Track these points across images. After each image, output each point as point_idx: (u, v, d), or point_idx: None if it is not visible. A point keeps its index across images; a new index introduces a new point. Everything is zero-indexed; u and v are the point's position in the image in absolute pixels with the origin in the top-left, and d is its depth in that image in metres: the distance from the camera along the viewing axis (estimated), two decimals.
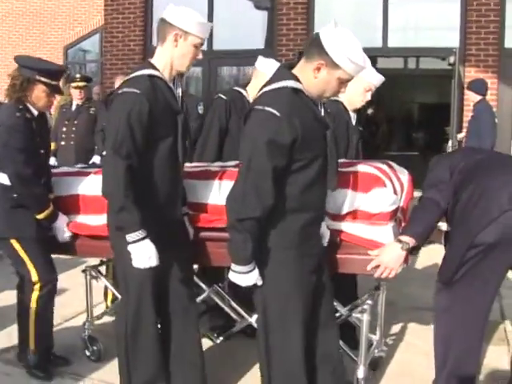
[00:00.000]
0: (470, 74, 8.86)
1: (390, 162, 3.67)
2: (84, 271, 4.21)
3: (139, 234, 3.03)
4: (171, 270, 3.32)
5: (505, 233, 3.03)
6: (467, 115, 8.42)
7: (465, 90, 8.39)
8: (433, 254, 4.58)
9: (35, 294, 3.84)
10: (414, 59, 14.23)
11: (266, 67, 4.23)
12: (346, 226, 3.29)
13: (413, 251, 3.26)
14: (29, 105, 3.75)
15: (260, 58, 4.39)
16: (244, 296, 3.36)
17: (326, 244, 3.17)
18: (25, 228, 3.73)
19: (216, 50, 10.17)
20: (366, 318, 3.41)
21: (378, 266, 3.19)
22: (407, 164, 4.06)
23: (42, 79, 3.70)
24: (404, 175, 3.69)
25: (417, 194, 3.60)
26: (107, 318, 4.47)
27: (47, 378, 3.86)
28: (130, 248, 3.04)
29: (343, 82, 2.83)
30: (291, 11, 9.79)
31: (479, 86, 7.86)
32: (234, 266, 2.81)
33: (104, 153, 3.23)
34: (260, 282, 2.83)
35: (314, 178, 2.81)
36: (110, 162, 3.04)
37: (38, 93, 3.72)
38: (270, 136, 2.65)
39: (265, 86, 2.85)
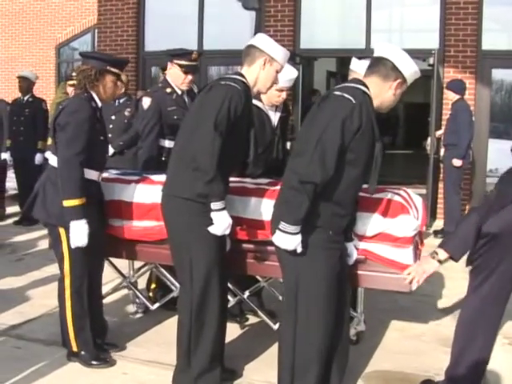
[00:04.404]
0: (449, 74, 9.20)
1: (408, 190, 4.03)
2: None
3: (223, 203, 3.42)
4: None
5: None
6: (446, 113, 8.80)
7: (444, 89, 8.82)
8: None
9: (68, 292, 3.94)
10: None
11: None
12: (373, 247, 3.66)
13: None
14: (94, 95, 3.96)
15: None
16: None
17: (351, 262, 3.57)
18: None
19: (206, 50, 10.49)
20: None
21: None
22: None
23: (113, 69, 3.97)
24: (419, 202, 4.03)
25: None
26: (110, 298, 4.86)
27: (105, 365, 4.02)
28: (213, 215, 3.41)
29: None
30: (278, 13, 10.13)
31: (457, 86, 8.27)
32: (283, 226, 3.09)
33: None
34: (300, 249, 3.13)
35: (355, 178, 3.21)
36: (208, 136, 3.33)
37: (108, 83, 3.98)
38: (345, 116, 3.06)
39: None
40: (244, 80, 3.56)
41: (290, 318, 3.28)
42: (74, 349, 4.01)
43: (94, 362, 4.00)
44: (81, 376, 3.90)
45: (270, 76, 3.61)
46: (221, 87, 3.48)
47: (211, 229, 3.44)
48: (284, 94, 4.54)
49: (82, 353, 4.00)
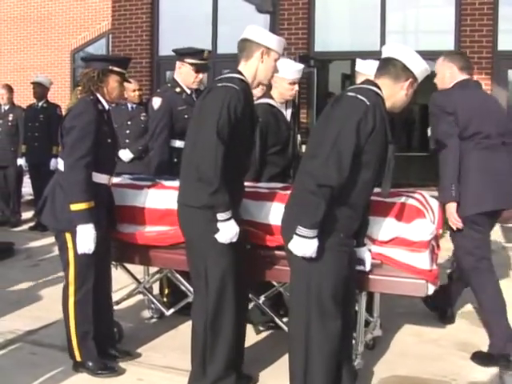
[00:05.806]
0: None
1: (424, 193, 4.01)
2: None
3: (229, 213, 3.38)
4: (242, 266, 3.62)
5: None
6: None
7: None
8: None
9: (71, 300, 3.89)
10: None
11: (282, 70, 4.22)
12: (389, 251, 3.62)
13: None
14: (100, 98, 3.90)
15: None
16: None
17: (368, 268, 3.53)
18: None
19: (220, 54, 10.51)
20: (363, 299, 3.79)
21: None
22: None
23: (115, 69, 3.90)
24: (435, 205, 4.00)
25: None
26: (125, 304, 4.83)
27: (112, 374, 3.93)
28: (219, 225, 3.38)
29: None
30: (292, 16, 10.14)
31: None
32: (300, 230, 3.04)
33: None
34: (314, 254, 3.09)
35: (368, 181, 3.17)
36: (211, 145, 3.28)
37: (113, 83, 3.90)
38: (360, 117, 3.04)
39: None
40: (242, 77, 3.50)
41: (301, 322, 3.24)
42: (78, 358, 3.93)
43: (99, 372, 3.93)
44: (96, 382, 3.88)
45: (269, 67, 3.55)
46: (218, 90, 3.41)
47: (217, 236, 3.40)
48: (296, 87, 4.56)
49: (89, 363, 3.92)
